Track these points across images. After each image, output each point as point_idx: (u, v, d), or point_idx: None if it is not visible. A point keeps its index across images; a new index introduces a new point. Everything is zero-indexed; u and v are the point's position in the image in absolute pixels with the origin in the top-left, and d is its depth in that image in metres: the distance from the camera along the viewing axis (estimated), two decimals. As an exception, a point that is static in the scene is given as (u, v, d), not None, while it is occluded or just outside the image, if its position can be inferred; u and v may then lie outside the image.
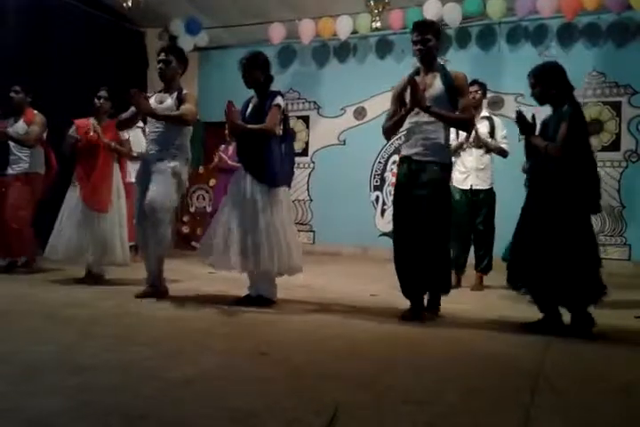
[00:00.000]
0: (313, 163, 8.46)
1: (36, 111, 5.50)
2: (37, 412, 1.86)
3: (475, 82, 5.10)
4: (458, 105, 3.61)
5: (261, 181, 3.90)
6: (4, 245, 5.28)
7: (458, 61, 7.62)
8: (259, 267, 3.84)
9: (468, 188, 5.10)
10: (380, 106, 7.75)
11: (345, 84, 8.07)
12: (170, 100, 4.16)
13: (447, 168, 3.69)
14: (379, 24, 6.61)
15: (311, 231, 8.35)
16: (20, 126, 5.41)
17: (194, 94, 4.36)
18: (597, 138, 6.96)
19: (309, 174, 8.47)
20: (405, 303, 3.67)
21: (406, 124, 3.66)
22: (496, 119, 5.28)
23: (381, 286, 4.87)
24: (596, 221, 6.91)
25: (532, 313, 3.47)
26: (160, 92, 4.30)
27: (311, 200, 8.42)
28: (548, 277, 3.22)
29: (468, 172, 5.12)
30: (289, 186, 4.16)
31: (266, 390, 2.16)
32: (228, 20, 8.22)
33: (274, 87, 4.17)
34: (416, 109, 3.53)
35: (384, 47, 8.01)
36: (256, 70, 4.00)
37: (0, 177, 5.44)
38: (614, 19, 6.82)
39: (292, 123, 5.61)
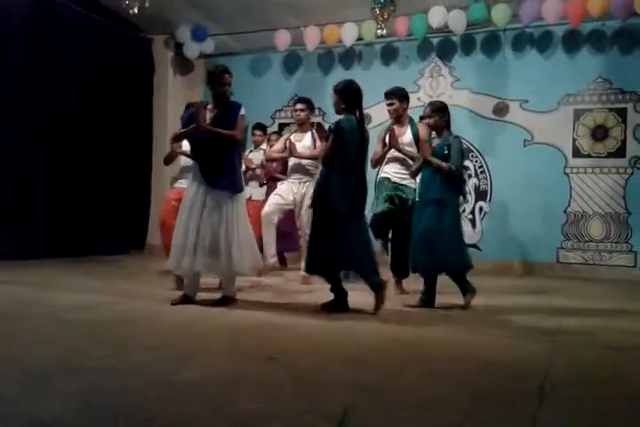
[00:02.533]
0: (318, 169, 8.47)
1: None
2: (45, 415, 1.86)
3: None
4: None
5: (220, 187, 4.05)
6: None
7: (463, 68, 7.66)
8: (223, 267, 4.03)
9: None
10: (386, 112, 7.77)
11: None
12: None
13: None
14: (384, 31, 6.63)
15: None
16: None
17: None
18: (602, 144, 6.97)
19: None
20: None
21: (387, 157, 5.11)
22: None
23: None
24: (601, 227, 6.92)
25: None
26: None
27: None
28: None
29: None
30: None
31: (273, 394, 2.15)
32: (234, 26, 8.26)
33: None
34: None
35: (389, 54, 8.03)
36: (223, 84, 4.16)
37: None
38: (619, 25, 6.83)
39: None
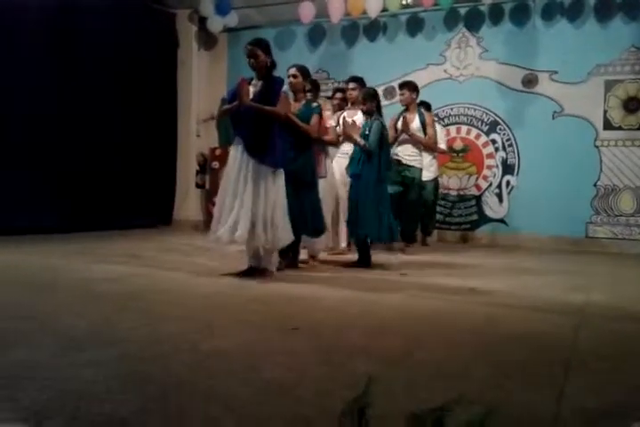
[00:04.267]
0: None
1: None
2: (76, 382, 1.91)
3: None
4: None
5: (264, 162, 4.05)
6: None
7: (491, 38, 7.50)
8: (262, 240, 4.05)
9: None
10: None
11: (375, 63, 7.97)
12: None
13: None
14: (410, 0, 6.49)
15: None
16: None
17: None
18: (635, 116, 6.80)
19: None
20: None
21: (399, 140, 5.98)
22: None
23: (411, 267, 4.86)
24: (632, 201, 6.78)
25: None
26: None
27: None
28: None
29: None
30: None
31: (297, 363, 2.18)
32: (258, 0, 8.18)
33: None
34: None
35: (415, 25, 7.88)
36: (262, 54, 4.12)
37: None
38: (655, -8, 6.60)
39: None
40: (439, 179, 7.00)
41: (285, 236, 4.20)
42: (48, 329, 2.60)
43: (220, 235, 4.05)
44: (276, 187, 4.13)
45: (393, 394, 1.82)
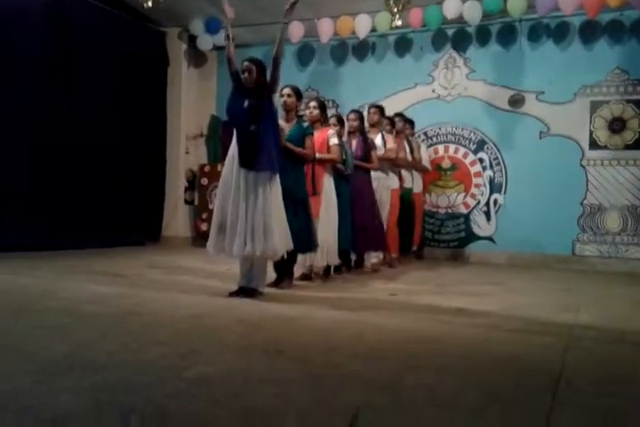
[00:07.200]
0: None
1: None
2: (57, 411, 1.87)
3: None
4: None
5: (261, 168, 4.05)
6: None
7: (478, 59, 7.59)
8: (259, 251, 3.99)
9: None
10: (399, 104, 7.73)
11: (364, 82, 8.05)
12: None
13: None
14: (399, 23, 6.57)
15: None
16: None
17: None
18: (620, 136, 6.88)
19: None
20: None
21: None
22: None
23: (400, 284, 4.85)
24: (618, 220, 6.84)
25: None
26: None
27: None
28: None
29: None
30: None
31: (283, 390, 2.15)
32: (248, 19, 8.20)
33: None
34: None
35: (403, 45, 7.97)
36: (256, 72, 4.18)
37: None
38: (638, 15, 6.71)
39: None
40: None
41: (283, 244, 4.15)
42: (28, 353, 2.55)
43: (230, 249, 4.02)
44: (274, 193, 4.11)
45: (382, 423, 1.80)
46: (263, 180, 4.07)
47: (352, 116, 5.89)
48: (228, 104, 4.31)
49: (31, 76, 6.77)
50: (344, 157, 5.34)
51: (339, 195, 5.22)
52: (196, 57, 9.04)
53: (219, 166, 8.69)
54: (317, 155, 4.90)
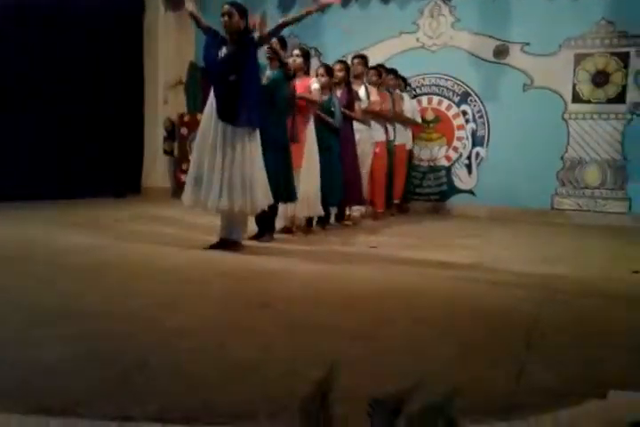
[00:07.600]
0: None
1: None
2: (41, 360, 1.89)
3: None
4: None
5: (239, 123, 3.95)
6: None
7: (464, 8, 7.40)
8: (237, 206, 3.96)
9: None
10: (383, 52, 7.59)
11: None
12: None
13: None
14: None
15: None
16: None
17: None
18: (603, 90, 6.84)
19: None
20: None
21: None
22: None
23: (382, 237, 4.89)
24: (598, 174, 6.89)
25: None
26: None
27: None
28: None
29: None
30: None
31: (264, 342, 2.18)
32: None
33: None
34: None
35: (388, -8, 7.74)
36: (237, 16, 3.99)
37: None
38: (627, -36, 6.57)
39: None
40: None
41: (264, 198, 4.12)
42: (14, 303, 2.57)
43: (205, 203, 3.99)
44: (253, 148, 4.04)
45: (359, 375, 1.84)
46: (242, 134, 3.98)
47: (338, 66, 5.79)
48: (204, 52, 4.16)
49: (1, 22, 6.52)
50: (332, 108, 5.30)
51: (328, 148, 5.21)
52: (174, 1, 8.70)
53: (198, 115, 8.45)
54: (298, 93, 4.84)
